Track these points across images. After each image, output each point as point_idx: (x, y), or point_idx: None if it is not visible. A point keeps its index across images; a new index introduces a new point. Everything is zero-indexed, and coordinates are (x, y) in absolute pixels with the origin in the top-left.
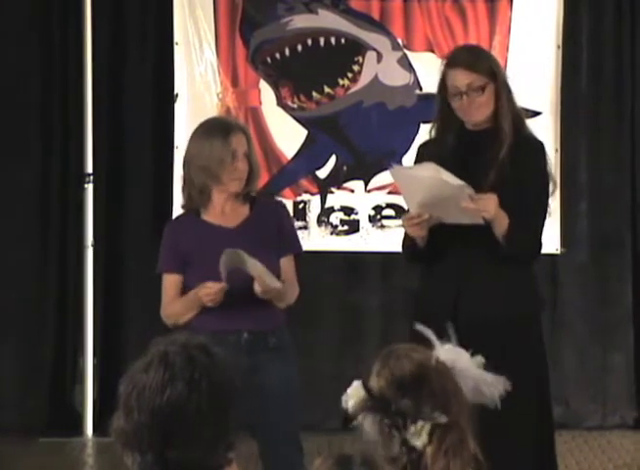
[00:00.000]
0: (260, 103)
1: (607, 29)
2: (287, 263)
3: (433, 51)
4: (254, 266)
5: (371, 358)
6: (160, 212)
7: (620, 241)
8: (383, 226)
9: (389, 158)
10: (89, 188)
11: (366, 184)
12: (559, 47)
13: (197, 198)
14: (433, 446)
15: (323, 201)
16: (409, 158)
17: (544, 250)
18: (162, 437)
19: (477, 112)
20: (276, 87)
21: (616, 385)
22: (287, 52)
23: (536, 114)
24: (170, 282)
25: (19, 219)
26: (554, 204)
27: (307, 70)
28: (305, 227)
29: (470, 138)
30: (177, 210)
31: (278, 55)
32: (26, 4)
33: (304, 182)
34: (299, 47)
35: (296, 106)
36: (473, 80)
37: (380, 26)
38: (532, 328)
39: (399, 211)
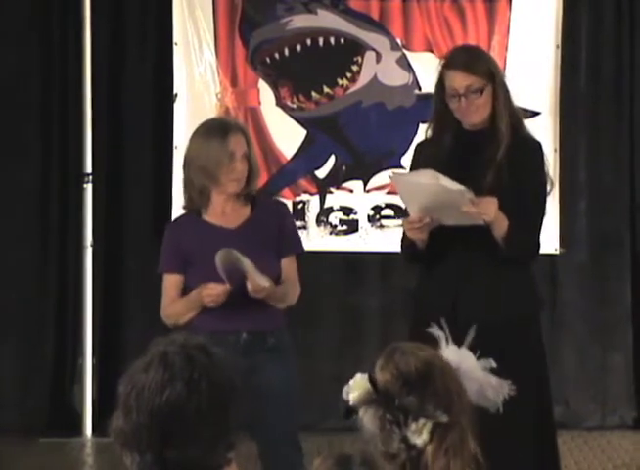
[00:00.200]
0: (259, 103)
1: (606, 29)
2: (288, 264)
3: (432, 51)
4: (245, 264)
5: (371, 358)
6: (159, 213)
7: (620, 241)
8: (382, 226)
9: (389, 158)
10: (88, 188)
11: (365, 184)
12: (558, 47)
13: (197, 198)
14: (433, 445)
15: (322, 201)
16: (408, 158)
17: (543, 250)
18: (162, 437)
19: (475, 113)
20: (275, 87)
21: (615, 385)
22: (286, 52)
23: (535, 113)
24: (171, 282)
25: (18, 219)
26: (553, 204)
27: (306, 70)
28: (304, 227)
29: (467, 138)
30: (177, 210)
31: (277, 55)
32: (26, 4)
33: (303, 182)
34: (299, 47)
35: (295, 106)
36: (471, 83)
37: (379, 26)
38: (532, 329)
39: (398, 212)
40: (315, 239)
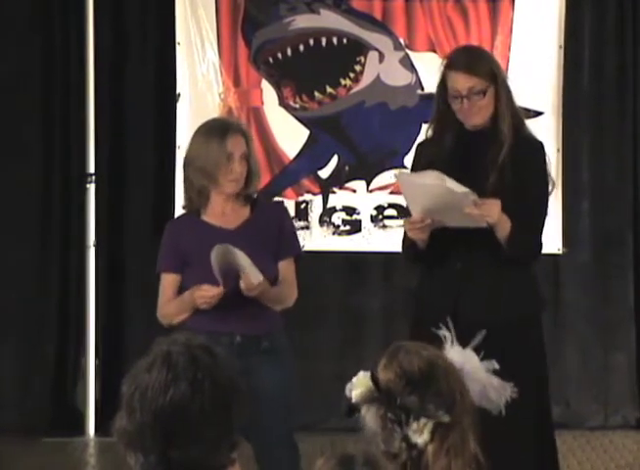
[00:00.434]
0: (262, 103)
1: (609, 29)
2: (286, 266)
3: (434, 51)
4: (242, 258)
5: (373, 358)
6: (161, 213)
7: (622, 240)
8: (385, 226)
9: (391, 158)
10: (91, 188)
11: (368, 184)
12: (561, 47)
13: (196, 199)
14: (434, 445)
15: (325, 201)
16: (411, 158)
17: (546, 249)
18: (165, 437)
19: (477, 115)
20: (278, 87)
21: (618, 385)
22: (289, 52)
23: (538, 113)
24: (168, 282)
25: (21, 219)
26: (556, 203)
27: (309, 69)
28: (307, 227)
29: (469, 139)
30: (179, 210)
31: (280, 55)
32: (28, 4)
33: (306, 182)
34: (301, 47)
35: (298, 106)
36: (474, 84)
37: (382, 26)
38: (533, 330)
39: (401, 212)
40: (318, 239)
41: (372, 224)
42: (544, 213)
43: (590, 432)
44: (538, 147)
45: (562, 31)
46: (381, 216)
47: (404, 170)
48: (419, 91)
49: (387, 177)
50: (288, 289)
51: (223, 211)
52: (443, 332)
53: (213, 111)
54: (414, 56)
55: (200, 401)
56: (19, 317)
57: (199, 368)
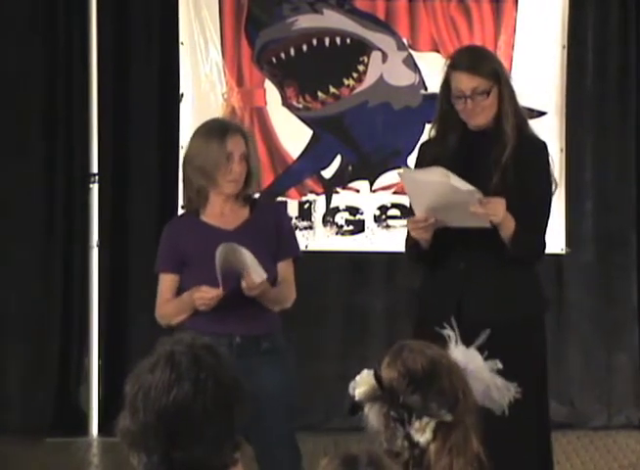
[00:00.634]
0: (265, 103)
1: (612, 29)
2: (285, 267)
3: (438, 51)
4: (247, 256)
5: (376, 358)
6: (165, 213)
7: (626, 240)
8: (388, 226)
9: (395, 158)
10: (94, 188)
11: (371, 184)
12: (564, 47)
13: (195, 199)
14: (437, 444)
15: (328, 201)
16: (414, 158)
17: (549, 250)
18: (168, 437)
19: (480, 115)
20: (281, 87)
21: (621, 385)
22: (292, 52)
23: (542, 113)
24: (166, 282)
25: (24, 219)
26: (559, 203)
27: (312, 69)
28: (310, 227)
29: (472, 139)
30: (182, 210)
31: (283, 55)
32: (31, 4)
33: (310, 182)
34: (305, 47)
35: (301, 106)
36: (478, 85)
37: (385, 26)
38: (536, 330)
39: (405, 212)
40: (321, 239)
41: (375, 224)
42: (548, 213)
43: (593, 432)
44: (542, 147)
45: (565, 31)
46: (384, 216)
47: (408, 168)
48: (422, 91)
49: (390, 177)
50: (287, 290)
51: (222, 212)
52: (447, 332)
53: (216, 111)
54: (417, 56)
55: (203, 401)
56: (22, 317)
57: (202, 368)
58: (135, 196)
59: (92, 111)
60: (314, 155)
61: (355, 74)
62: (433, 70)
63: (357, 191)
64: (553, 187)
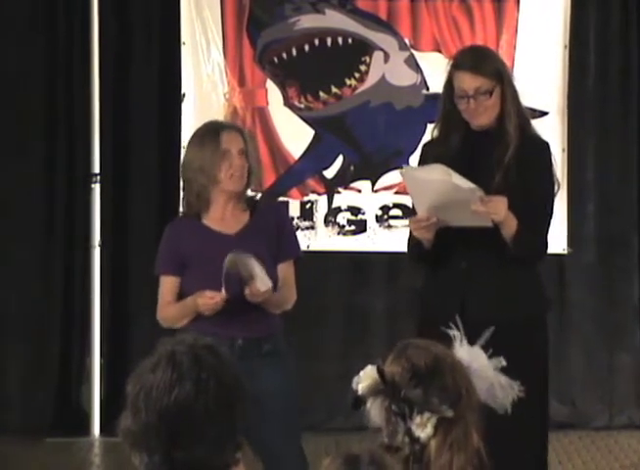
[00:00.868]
0: (267, 103)
1: (614, 29)
2: (286, 269)
3: (440, 51)
4: (255, 265)
5: (377, 358)
6: (166, 213)
7: (627, 241)
8: (390, 226)
9: (396, 158)
10: (96, 188)
11: (373, 184)
12: (566, 47)
13: (195, 203)
14: (437, 440)
15: (330, 201)
16: (416, 157)
17: (551, 250)
18: (170, 437)
19: (483, 115)
20: (283, 87)
21: (623, 385)
22: (294, 52)
23: (543, 114)
24: (168, 284)
25: (25, 220)
26: (561, 204)
27: (314, 69)
28: (312, 227)
29: (475, 139)
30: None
31: (285, 55)
32: (32, 5)
33: (311, 182)
34: (306, 47)
35: (303, 106)
36: (480, 84)
37: (387, 26)
38: (539, 330)
39: (406, 212)
40: (323, 239)
41: (377, 224)
42: (550, 214)
43: (595, 432)
44: (544, 147)
45: (567, 32)
46: (386, 216)
47: (410, 166)
48: (424, 91)
49: (392, 177)
50: (288, 292)
51: (223, 216)
52: (452, 331)
53: (218, 111)
54: (419, 56)
55: (204, 401)
56: (24, 317)
57: (203, 368)
58: (136, 196)
59: (93, 111)
60: (316, 155)
61: (357, 74)
62: (434, 69)
63: (359, 191)
64: (555, 187)
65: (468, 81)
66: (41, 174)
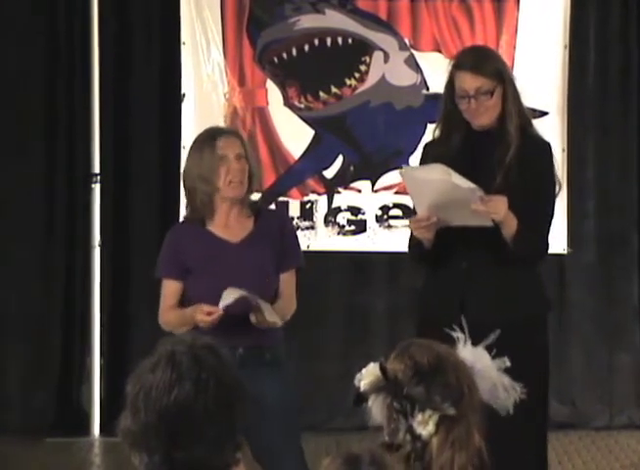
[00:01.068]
0: (267, 103)
1: (614, 29)
2: (287, 278)
3: (440, 51)
4: (262, 304)
5: (377, 358)
6: (167, 213)
7: (627, 241)
8: (390, 226)
9: (396, 158)
10: (96, 188)
11: (373, 184)
12: (566, 47)
13: (199, 210)
14: (439, 437)
15: (330, 201)
16: (416, 158)
17: (551, 250)
18: (170, 437)
19: (484, 115)
20: (283, 87)
21: (623, 385)
22: (294, 52)
23: (543, 113)
24: (169, 288)
25: (26, 220)
26: (561, 204)
27: (314, 69)
28: (312, 227)
29: (476, 139)
30: (184, 210)
31: (285, 55)
32: (31, 5)
33: (311, 182)
34: (306, 47)
35: (303, 106)
36: (481, 84)
37: (387, 26)
38: (539, 330)
39: (406, 212)
40: (323, 239)
41: (377, 224)
42: (551, 214)
43: (595, 432)
44: (545, 147)
45: (567, 31)
46: (386, 216)
47: (409, 166)
48: (424, 91)
49: (392, 177)
50: (288, 303)
51: (227, 223)
52: (455, 331)
53: (218, 111)
54: (419, 56)
55: (204, 401)
56: (24, 317)
57: (203, 368)
58: (137, 196)
59: (94, 111)
60: (316, 155)
61: (357, 74)
62: (434, 69)
63: (359, 191)
64: (557, 188)
65: (469, 81)
66: (41, 174)
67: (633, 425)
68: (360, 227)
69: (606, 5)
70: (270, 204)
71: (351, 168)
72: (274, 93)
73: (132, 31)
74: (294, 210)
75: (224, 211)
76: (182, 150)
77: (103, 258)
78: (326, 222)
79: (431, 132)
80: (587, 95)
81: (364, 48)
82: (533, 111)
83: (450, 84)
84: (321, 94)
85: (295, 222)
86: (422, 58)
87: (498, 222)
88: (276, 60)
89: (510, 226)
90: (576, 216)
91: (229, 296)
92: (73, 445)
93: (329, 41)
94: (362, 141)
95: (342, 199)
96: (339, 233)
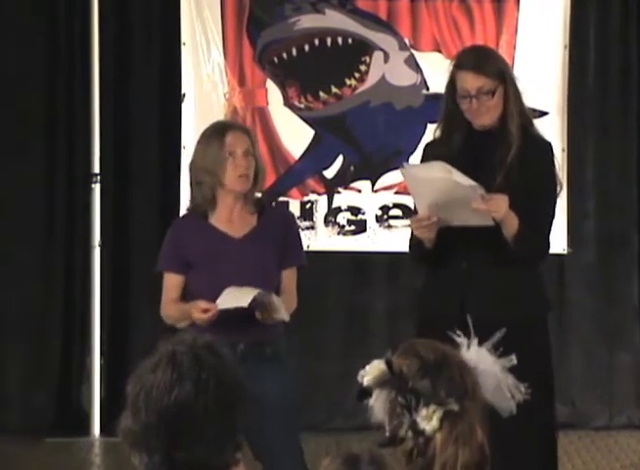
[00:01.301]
0: (267, 103)
1: (614, 29)
2: (289, 276)
3: (440, 51)
4: (275, 301)
5: (377, 358)
6: (167, 213)
7: (627, 241)
8: (390, 226)
9: (396, 158)
10: (96, 188)
11: (373, 184)
12: (566, 47)
13: (202, 202)
14: (443, 433)
15: (330, 201)
16: (416, 158)
17: (551, 250)
18: (170, 437)
19: (486, 115)
20: (283, 87)
21: (622, 385)
22: (294, 52)
23: (543, 113)
24: (171, 282)
25: (26, 220)
26: (561, 204)
27: (314, 69)
28: (312, 227)
29: (477, 138)
30: (184, 210)
31: (285, 55)
32: (31, 5)
33: (311, 182)
34: (307, 47)
35: (303, 106)
36: (483, 84)
37: (387, 26)
38: (540, 330)
39: (406, 211)
40: (323, 239)
41: (377, 224)
42: (552, 214)
43: (595, 432)
44: (547, 147)
45: (567, 31)
46: (386, 216)
47: (410, 164)
48: (424, 91)
49: (392, 177)
50: (289, 300)
51: (230, 217)
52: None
53: (218, 111)
54: (419, 56)
55: (204, 401)
56: (24, 317)
57: (203, 368)
58: (137, 196)
59: (94, 111)
60: (316, 155)
61: (357, 74)
62: (434, 70)
63: (359, 191)
64: (558, 188)
65: (470, 81)
66: (41, 174)
67: (633, 425)
68: (360, 227)
69: (606, 5)
70: (270, 204)
71: (351, 168)
72: (274, 93)
73: (132, 31)
74: (294, 210)
75: (228, 205)
76: (182, 150)
77: (103, 259)
78: (326, 222)
79: (431, 132)
80: (587, 95)
81: (364, 48)
82: (533, 111)
83: (451, 84)
84: (321, 94)
85: None
86: (422, 58)
87: (499, 221)
88: (276, 60)
89: (511, 225)
90: (576, 216)
91: (233, 299)
92: (73, 445)
93: (329, 41)
94: (362, 141)
95: (343, 199)
96: (339, 233)
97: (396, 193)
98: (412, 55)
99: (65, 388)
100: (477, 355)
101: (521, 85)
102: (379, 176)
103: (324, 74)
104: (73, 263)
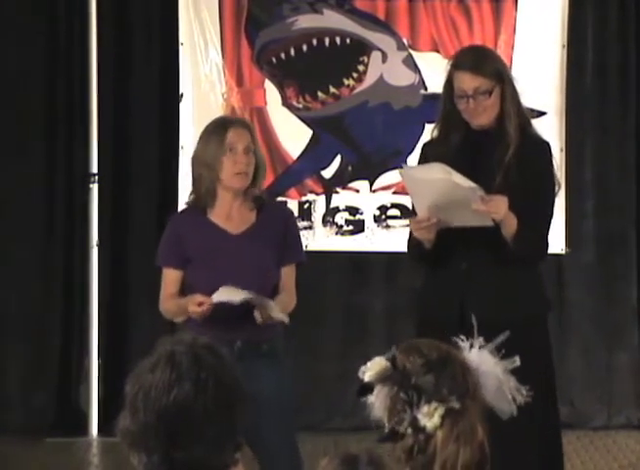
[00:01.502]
0: (265, 103)
1: (612, 28)
2: (288, 273)
3: (438, 51)
4: (271, 306)
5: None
6: (165, 213)
7: (626, 241)
8: (388, 226)
9: (395, 158)
10: (94, 188)
11: (371, 184)
12: (564, 47)
13: (202, 197)
14: (444, 431)
15: (328, 201)
16: (414, 158)
17: (550, 250)
18: (169, 437)
19: (483, 115)
20: (281, 87)
21: (621, 385)
22: (292, 52)
23: (541, 113)
24: (170, 277)
25: (24, 219)
26: (559, 204)
27: (312, 69)
28: (310, 227)
29: (475, 139)
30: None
31: (283, 55)
32: (31, 5)
33: (309, 182)
34: (305, 47)
35: (301, 106)
36: (480, 84)
37: (385, 26)
38: (540, 330)
39: (405, 212)
40: (321, 239)
41: (375, 224)
42: (551, 214)
43: (593, 432)
44: (545, 147)
45: (565, 31)
46: (384, 216)
47: (409, 165)
48: (422, 91)
49: (390, 177)
50: (288, 298)
51: (229, 213)
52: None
53: (217, 111)
54: (417, 56)
55: (203, 401)
56: (22, 317)
57: (202, 368)
58: (135, 196)
59: (92, 110)
60: (314, 155)
61: (355, 74)
62: (433, 69)
63: (357, 191)
64: (556, 188)
65: (467, 81)
66: (40, 174)
67: (631, 425)
68: (358, 227)
69: (604, 4)
70: (273, 199)
71: (349, 168)
72: (272, 93)
73: (131, 32)
74: (292, 209)
75: (227, 201)
76: (180, 150)
77: (101, 258)
78: (324, 222)
79: (429, 132)
80: (585, 95)
81: (362, 48)
82: (531, 110)
83: (449, 84)
84: (319, 94)
85: None
86: (420, 58)
87: (498, 222)
88: (274, 60)
89: (510, 226)
90: (575, 216)
91: (228, 295)
92: (72, 445)
93: (327, 41)
94: (360, 141)
95: (341, 199)
96: (337, 233)
97: (394, 193)
98: (410, 55)
99: (65, 388)
100: (478, 357)
101: (518, 85)
102: (377, 176)
103: (322, 74)
104: (72, 263)
